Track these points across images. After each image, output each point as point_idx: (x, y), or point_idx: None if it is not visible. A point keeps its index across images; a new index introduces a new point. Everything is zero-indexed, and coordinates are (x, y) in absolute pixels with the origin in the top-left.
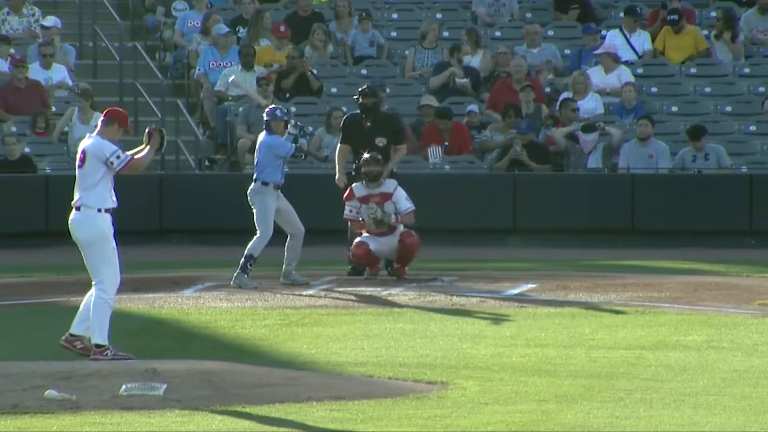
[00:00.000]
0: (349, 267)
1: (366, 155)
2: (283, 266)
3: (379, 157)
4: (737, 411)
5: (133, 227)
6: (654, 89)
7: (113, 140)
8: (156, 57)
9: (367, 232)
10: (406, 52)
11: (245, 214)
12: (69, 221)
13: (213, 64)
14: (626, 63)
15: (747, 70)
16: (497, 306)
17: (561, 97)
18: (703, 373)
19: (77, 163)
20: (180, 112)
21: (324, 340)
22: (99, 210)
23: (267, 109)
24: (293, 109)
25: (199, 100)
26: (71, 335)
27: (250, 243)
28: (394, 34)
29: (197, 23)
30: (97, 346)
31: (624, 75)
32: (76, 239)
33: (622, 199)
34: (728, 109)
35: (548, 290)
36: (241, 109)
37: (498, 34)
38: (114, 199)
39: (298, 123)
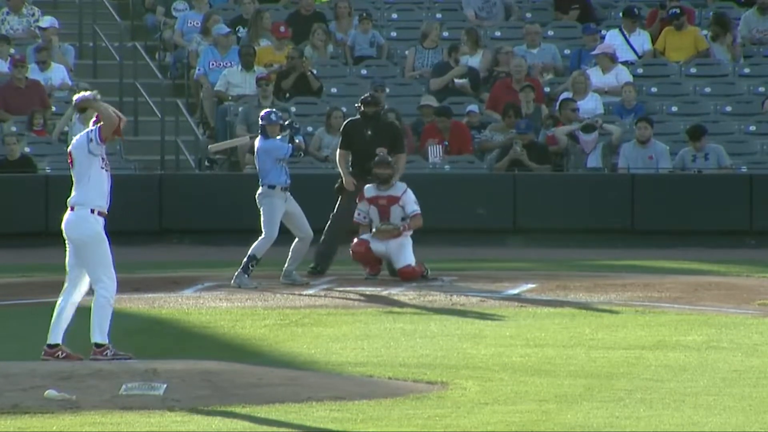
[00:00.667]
0: (311, 266)
1: (377, 157)
2: (285, 266)
3: (390, 159)
4: (737, 411)
5: (133, 227)
6: (654, 89)
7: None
8: (156, 57)
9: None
10: (406, 52)
11: (245, 214)
12: (63, 221)
13: (213, 64)
14: (626, 63)
15: (747, 70)
16: (497, 306)
17: (561, 97)
18: (703, 373)
19: (69, 165)
20: (180, 112)
21: (324, 340)
22: (92, 211)
23: (262, 114)
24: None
25: (199, 100)
26: (49, 346)
27: (255, 243)
28: (394, 34)
29: (197, 23)
30: (97, 345)
31: (622, 75)
32: (69, 239)
33: (622, 199)
34: (728, 109)
35: (548, 290)
36: (240, 109)
37: (498, 34)
38: (107, 202)
39: (288, 121)
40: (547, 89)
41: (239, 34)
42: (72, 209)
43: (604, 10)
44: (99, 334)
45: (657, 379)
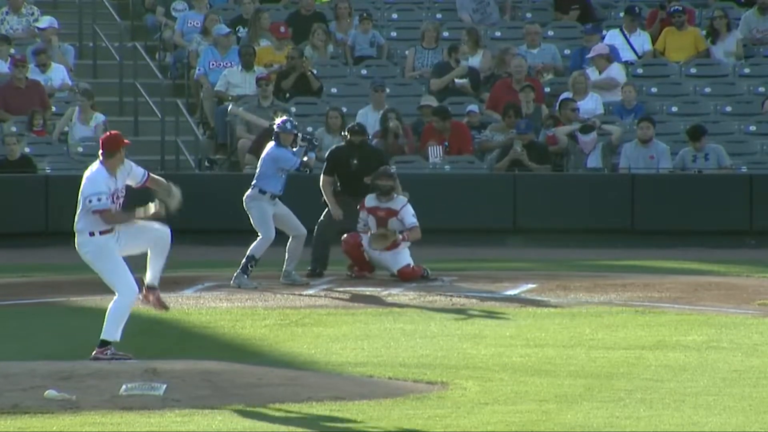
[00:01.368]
0: (308, 269)
1: (380, 168)
2: (284, 266)
3: (392, 171)
4: (737, 411)
5: None
6: (654, 89)
7: (115, 166)
8: (156, 57)
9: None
10: (406, 52)
11: (245, 214)
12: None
13: (213, 65)
14: (626, 63)
15: (747, 70)
16: (497, 306)
17: (561, 97)
18: (703, 373)
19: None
20: (180, 112)
21: (324, 340)
22: (91, 234)
23: (278, 121)
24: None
25: (199, 100)
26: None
27: (253, 244)
28: (394, 34)
29: (197, 23)
30: (103, 343)
31: (613, 72)
32: (82, 259)
33: (622, 199)
34: (728, 109)
35: (548, 290)
36: (241, 109)
37: (498, 34)
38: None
39: (307, 136)
40: (547, 89)
41: (239, 34)
42: (76, 232)
43: (604, 10)
44: (109, 332)
45: (657, 379)
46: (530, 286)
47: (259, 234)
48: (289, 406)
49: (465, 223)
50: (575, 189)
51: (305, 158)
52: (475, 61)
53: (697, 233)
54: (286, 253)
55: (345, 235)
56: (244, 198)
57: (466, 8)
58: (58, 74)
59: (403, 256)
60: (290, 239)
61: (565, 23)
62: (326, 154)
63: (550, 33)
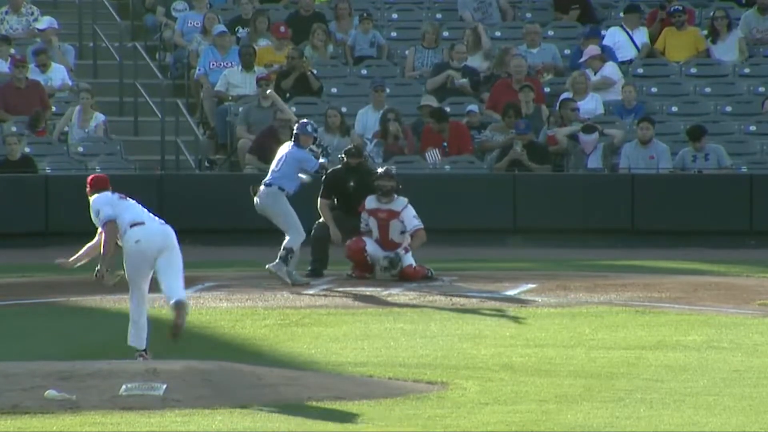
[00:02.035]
0: (308, 269)
1: (380, 169)
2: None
3: (393, 171)
4: (737, 411)
5: None
6: (654, 89)
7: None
8: (156, 57)
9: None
10: (406, 52)
11: (245, 214)
12: (161, 231)
13: (213, 64)
14: (629, 62)
15: (747, 70)
16: (497, 306)
17: (561, 97)
18: (703, 373)
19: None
20: (180, 112)
21: (324, 340)
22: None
23: (299, 123)
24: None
25: (199, 100)
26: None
27: (287, 239)
28: (394, 34)
29: (197, 23)
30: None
31: (607, 71)
32: (170, 247)
33: (622, 200)
34: (728, 109)
35: (548, 290)
36: (241, 109)
37: (498, 34)
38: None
39: (322, 143)
40: (547, 89)
41: (239, 35)
42: None
43: (604, 10)
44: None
45: (657, 379)
46: (530, 286)
47: (288, 234)
48: (289, 406)
49: (465, 223)
50: (575, 189)
51: (321, 161)
52: (476, 60)
53: (697, 233)
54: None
55: (348, 241)
56: (258, 197)
57: (467, 7)
58: (58, 74)
59: (406, 257)
60: (286, 239)
61: (566, 23)
62: (323, 177)
63: (550, 33)
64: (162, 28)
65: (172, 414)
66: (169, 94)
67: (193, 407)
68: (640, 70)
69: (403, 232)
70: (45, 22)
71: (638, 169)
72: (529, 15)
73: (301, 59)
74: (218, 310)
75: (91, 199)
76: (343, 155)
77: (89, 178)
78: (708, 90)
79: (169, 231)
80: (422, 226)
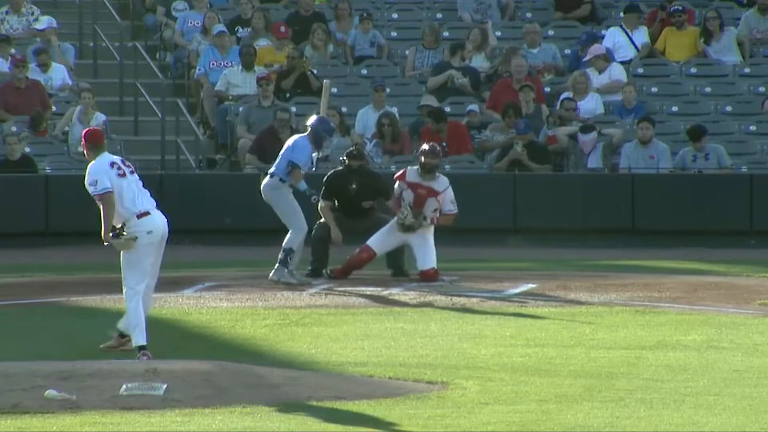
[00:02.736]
0: (308, 269)
1: (426, 146)
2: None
3: (439, 148)
4: (737, 411)
5: None
6: (654, 89)
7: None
8: (156, 57)
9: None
10: (406, 52)
11: (245, 214)
12: (165, 220)
13: (213, 64)
14: (628, 61)
15: (747, 70)
16: (497, 306)
17: (561, 97)
18: (704, 373)
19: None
20: (180, 112)
21: (324, 340)
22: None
23: (323, 119)
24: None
25: (199, 100)
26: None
27: (287, 237)
28: (394, 34)
29: (197, 23)
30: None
31: (615, 72)
32: (166, 237)
33: (622, 199)
34: (728, 109)
35: (548, 290)
36: (241, 109)
37: (498, 33)
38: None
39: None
40: (547, 89)
41: (239, 34)
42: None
43: (604, 10)
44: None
45: (657, 379)
46: (530, 286)
47: (289, 228)
48: (289, 406)
49: (465, 223)
50: (575, 189)
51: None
52: (477, 61)
53: (697, 233)
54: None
55: (358, 251)
56: (262, 187)
57: (466, 8)
58: (58, 74)
59: (431, 256)
60: (288, 235)
61: (566, 23)
62: (324, 179)
63: (551, 33)
64: (162, 27)
65: (172, 414)
66: (170, 93)
67: (193, 407)
68: (640, 70)
69: (435, 210)
70: (45, 21)
71: (638, 169)
72: (529, 15)
73: (301, 59)
74: (218, 310)
75: (89, 166)
76: (345, 157)
77: (83, 132)
78: (708, 90)
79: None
80: (456, 211)
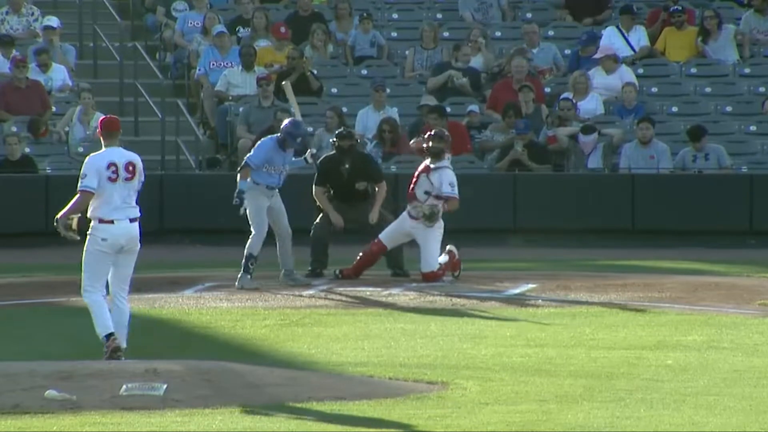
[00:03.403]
0: (308, 269)
1: (434, 130)
2: (281, 271)
3: (446, 133)
4: (738, 411)
5: None
6: (654, 89)
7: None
8: (156, 57)
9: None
10: (406, 52)
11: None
12: (127, 233)
13: (213, 64)
14: (624, 60)
15: (747, 70)
16: (497, 306)
17: (561, 97)
18: (704, 373)
19: (125, 174)
20: (180, 112)
21: (324, 340)
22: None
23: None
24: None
25: (199, 100)
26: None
27: (248, 242)
28: (394, 34)
29: (197, 23)
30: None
31: (626, 75)
32: (132, 250)
33: (622, 199)
34: (728, 109)
35: (548, 290)
36: (241, 109)
37: (498, 33)
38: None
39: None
40: (547, 89)
41: (239, 34)
42: (136, 220)
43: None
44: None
45: (657, 379)
46: (530, 286)
47: (252, 229)
48: (289, 406)
49: (465, 223)
50: (575, 189)
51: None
52: (477, 61)
53: (697, 233)
54: (280, 258)
55: (371, 245)
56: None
57: (468, 7)
58: (58, 74)
59: (434, 256)
60: (277, 245)
61: (566, 23)
62: (317, 164)
63: (551, 33)
64: (162, 28)
65: (172, 414)
66: (170, 94)
67: (193, 407)
68: (641, 70)
69: (427, 192)
70: (46, 21)
71: (638, 169)
72: (529, 15)
73: (301, 59)
74: (218, 310)
75: (90, 155)
76: (335, 139)
77: (100, 119)
78: (708, 90)
79: (135, 231)
80: (456, 197)
